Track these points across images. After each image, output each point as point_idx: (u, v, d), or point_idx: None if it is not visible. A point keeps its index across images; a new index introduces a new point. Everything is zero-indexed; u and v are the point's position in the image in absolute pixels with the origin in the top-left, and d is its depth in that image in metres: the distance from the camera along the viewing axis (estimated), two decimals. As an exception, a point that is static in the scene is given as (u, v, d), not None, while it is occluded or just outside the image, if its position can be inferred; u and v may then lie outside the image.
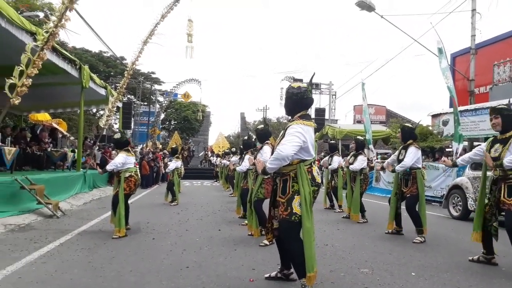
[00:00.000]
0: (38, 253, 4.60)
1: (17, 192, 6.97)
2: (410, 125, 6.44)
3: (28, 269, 3.97)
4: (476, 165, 8.08)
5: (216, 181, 21.84)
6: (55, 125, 15.18)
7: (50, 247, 4.93)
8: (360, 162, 7.77)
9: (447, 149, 14.30)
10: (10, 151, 8.39)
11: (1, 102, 11.33)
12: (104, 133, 16.46)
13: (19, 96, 6.43)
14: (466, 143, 12.50)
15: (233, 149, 16.27)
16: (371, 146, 15.72)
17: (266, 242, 4.88)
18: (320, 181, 3.40)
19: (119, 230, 5.66)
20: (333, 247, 5.24)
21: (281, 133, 3.46)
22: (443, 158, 5.30)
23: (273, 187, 3.57)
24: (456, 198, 8.62)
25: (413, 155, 5.81)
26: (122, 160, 5.98)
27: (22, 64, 6.38)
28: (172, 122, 43.40)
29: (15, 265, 4.05)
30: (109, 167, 6.06)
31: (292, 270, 3.53)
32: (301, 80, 26.32)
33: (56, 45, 8.08)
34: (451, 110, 11.70)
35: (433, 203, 11.18)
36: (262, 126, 6.32)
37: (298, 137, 3.20)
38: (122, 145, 6.32)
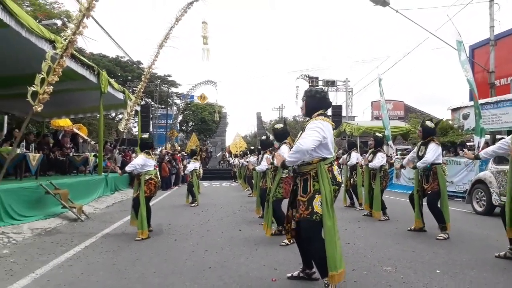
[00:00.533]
0: (65, 256, 4.72)
1: (43, 197, 7.15)
2: (430, 122, 6.23)
3: (56, 272, 4.07)
4: (499, 159, 7.88)
5: (234, 181, 21.94)
6: (76, 130, 15.50)
7: (76, 250, 5.05)
8: (379, 159, 7.69)
9: (468, 143, 14.02)
10: (34, 157, 8.60)
11: (24, 109, 11.72)
12: (124, 136, 16.69)
13: (41, 103, 6.60)
14: (488, 136, 12.23)
15: (252, 148, 16.33)
16: (390, 142, 15.49)
17: (286, 241, 4.87)
18: (340, 180, 3.40)
19: (142, 232, 5.75)
20: (355, 245, 5.21)
21: (299, 133, 3.47)
22: (465, 150, 5.21)
23: (292, 188, 3.58)
24: (479, 193, 8.43)
25: (433, 152, 5.74)
26: (141, 161, 6.06)
27: (43, 72, 6.53)
28: (190, 124, 43.83)
29: (44, 268, 4.16)
30: (128, 168, 6.16)
31: (315, 269, 3.52)
32: (316, 78, 26.32)
33: (74, 52, 8.24)
34: (472, 103, 11.45)
35: (455, 199, 10.98)
36: (281, 125, 6.31)
37: (318, 132, 3.22)
38: (143, 146, 6.42)
